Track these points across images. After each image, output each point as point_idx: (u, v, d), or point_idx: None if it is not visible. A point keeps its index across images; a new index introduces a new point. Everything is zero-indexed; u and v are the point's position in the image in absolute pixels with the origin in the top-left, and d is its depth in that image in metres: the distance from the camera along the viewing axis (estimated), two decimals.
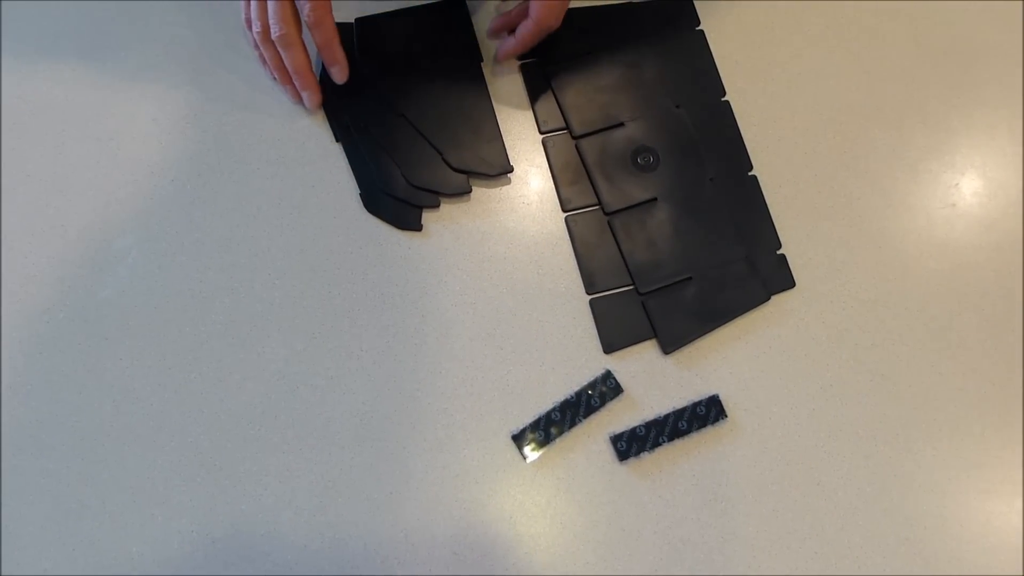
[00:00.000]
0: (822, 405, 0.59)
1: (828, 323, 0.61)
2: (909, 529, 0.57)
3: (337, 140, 0.64)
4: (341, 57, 0.61)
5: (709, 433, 0.58)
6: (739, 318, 0.61)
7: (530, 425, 0.58)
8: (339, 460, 0.56)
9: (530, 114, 0.66)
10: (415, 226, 0.62)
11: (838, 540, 0.56)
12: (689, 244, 0.62)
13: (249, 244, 0.61)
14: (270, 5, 0.59)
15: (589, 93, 0.66)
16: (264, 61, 0.63)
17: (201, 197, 0.62)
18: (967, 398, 0.60)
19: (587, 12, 0.67)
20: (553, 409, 0.58)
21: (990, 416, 0.59)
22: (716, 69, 0.67)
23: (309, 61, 0.61)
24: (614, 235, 0.62)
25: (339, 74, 0.62)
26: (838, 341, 0.61)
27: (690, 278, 0.61)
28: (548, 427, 0.58)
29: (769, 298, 0.61)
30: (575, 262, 0.62)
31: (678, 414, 0.58)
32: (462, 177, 0.63)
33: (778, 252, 0.63)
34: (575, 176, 0.64)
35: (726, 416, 0.58)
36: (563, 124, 0.65)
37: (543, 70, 0.66)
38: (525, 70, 0.67)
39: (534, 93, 0.66)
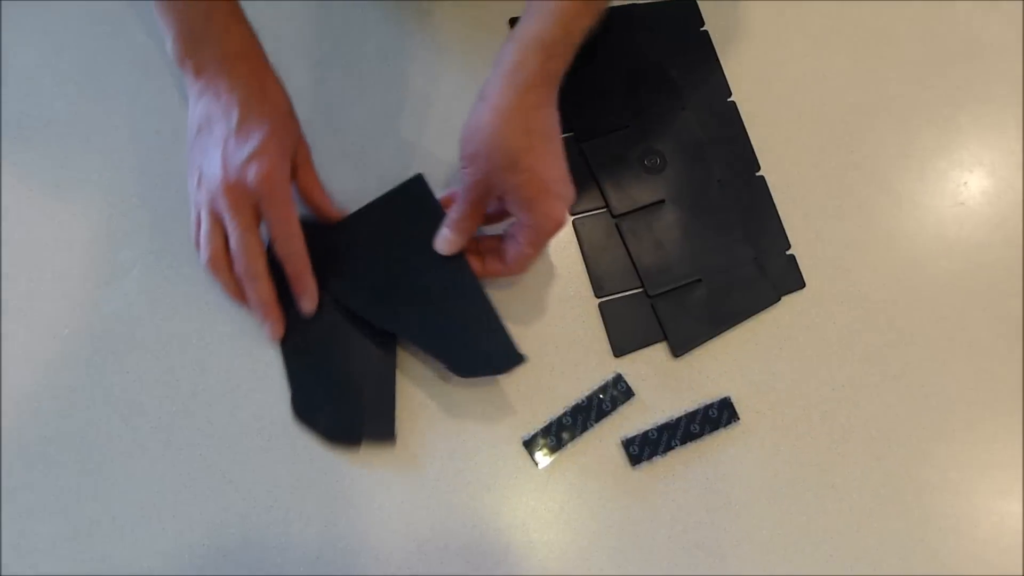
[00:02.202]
0: (834, 406, 0.59)
1: (839, 323, 0.61)
2: (924, 530, 0.56)
3: None
4: (312, 287, 0.56)
5: (721, 436, 0.58)
6: (749, 319, 0.61)
7: (541, 430, 0.57)
8: (349, 469, 0.56)
9: None
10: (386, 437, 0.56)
11: (853, 542, 0.56)
12: (698, 246, 0.62)
13: None
14: (233, 236, 0.54)
15: (594, 96, 0.65)
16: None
17: None
18: (980, 398, 0.60)
19: None
20: (564, 414, 0.58)
21: (1003, 416, 0.59)
22: (721, 70, 0.67)
23: (275, 292, 0.56)
24: (622, 238, 0.62)
25: (309, 303, 0.56)
26: (849, 341, 0.60)
27: (699, 280, 0.61)
28: (559, 432, 0.57)
29: (779, 299, 0.61)
30: (583, 265, 0.62)
31: (690, 417, 0.58)
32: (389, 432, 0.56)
33: (787, 253, 0.62)
34: (582, 179, 0.63)
35: (738, 418, 0.58)
36: (568, 128, 0.65)
37: None
38: None
39: None
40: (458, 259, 0.56)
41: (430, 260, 0.56)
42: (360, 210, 0.59)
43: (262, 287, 0.55)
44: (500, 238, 0.57)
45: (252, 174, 0.52)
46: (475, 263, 0.57)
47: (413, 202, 0.58)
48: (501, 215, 0.58)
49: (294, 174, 0.57)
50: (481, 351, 0.56)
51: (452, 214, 0.55)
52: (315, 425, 0.56)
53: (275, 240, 0.55)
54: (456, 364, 0.55)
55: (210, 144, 0.55)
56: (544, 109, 0.52)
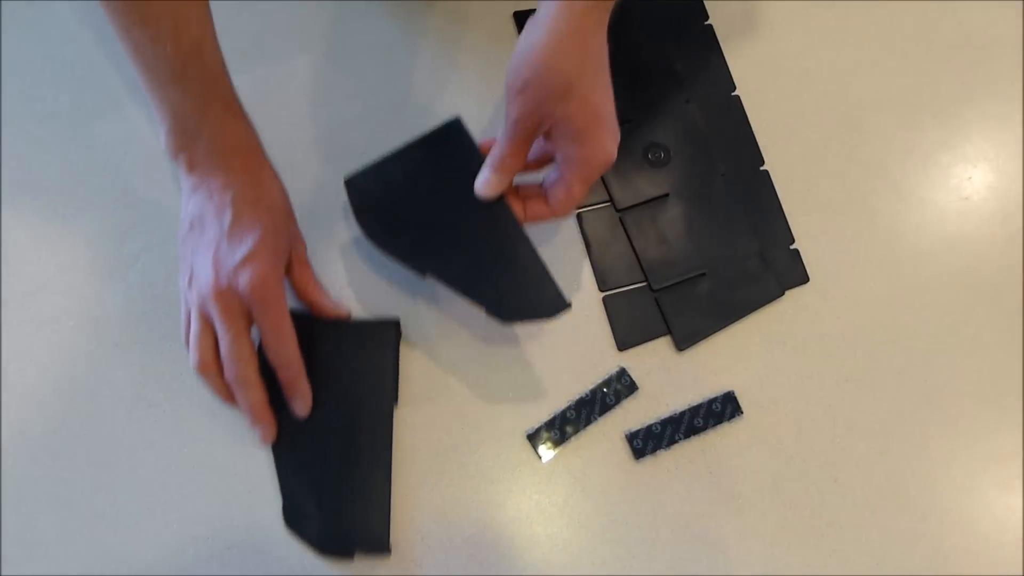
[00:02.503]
0: (838, 401, 0.59)
1: (842, 318, 0.61)
2: (926, 525, 0.57)
3: None
4: (306, 390, 0.54)
5: (725, 430, 0.58)
6: (753, 314, 0.61)
7: (545, 424, 0.57)
8: None
9: None
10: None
11: (855, 537, 0.56)
12: (702, 240, 0.62)
13: None
14: (223, 342, 0.52)
15: None
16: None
17: None
18: (982, 392, 0.60)
19: None
20: (568, 408, 0.58)
21: (1006, 410, 0.59)
22: (725, 64, 0.67)
23: (267, 397, 0.54)
24: (626, 232, 0.62)
25: (302, 408, 0.54)
26: (853, 336, 0.60)
27: (703, 274, 0.61)
28: (563, 426, 0.57)
29: (783, 293, 0.61)
30: (587, 259, 0.62)
31: (694, 411, 0.58)
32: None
33: (791, 247, 0.62)
34: None
35: (742, 412, 0.58)
36: None
37: None
38: None
39: None
40: (499, 203, 0.54)
41: (470, 205, 0.54)
42: (395, 152, 0.57)
43: (253, 394, 0.53)
44: (540, 185, 0.55)
45: (244, 280, 0.51)
46: (516, 207, 0.54)
47: (450, 146, 0.56)
48: (540, 161, 0.56)
49: (289, 272, 0.56)
50: (525, 297, 0.53)
51: (495, 152, 0.52)
52: (306, 536, 0.54)
53: (267, 347, 0.53)
54: (499, 310, 0.53)
55: (202, 245, 0.54)
56: (599, 34, 0.49)
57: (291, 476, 0.54)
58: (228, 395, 0.55)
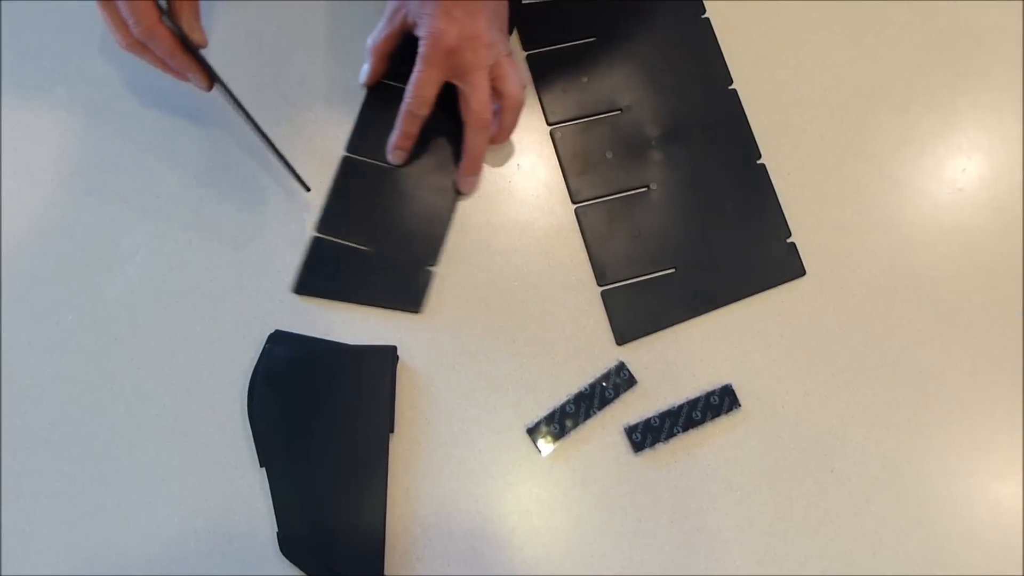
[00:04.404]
0: (834, 392, 0.59)
1: (839, 310, 0.61)
2: (922, 513, 0.57)
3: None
4: (197, 66, 0.54)
5: (723, 422, 0.58)
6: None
7: (545, 418, 0.58)
8: None
9: (537, 106, 0.65)
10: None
11: (853, 525, 0.57)
12: (696, 233, 0.62)
13: (258, 240, 0.60)
14: (122, 4, 0.51)
15: (596, 81, 0.65)
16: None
17: (209, 193, 0.61)
18: (978, 382, 0.60)
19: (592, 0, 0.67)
20: (567, 402, 0.58)
21: (1000, 399, 0.60)
22: (722, 57, 0.67)
23: (175, 40, 0.53)
24: (621, 224, 0.62)
25: (200, 80, 0.55)
26: (849, 327, 0.61)
27: (674, 269, 0.61)
28: (563, 420, 0.58)
29: (783, 282, 0.61)
30: (586, 254, 0.62)
31: (692, 404, 0.58)
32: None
33: (788, 240, 0.63)
34: (584, 166, 0.64)
35: (739, 405, 0.58)
36: (571, 115, 0.64)
37: (550, 60, 0.66)
38: (531, 61, 0.66)
39: (540, 84, 0.65)
40: None
41: None
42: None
43: (164, 39, 0.52)
44: None
45: None
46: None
47: None
48: None
49: None
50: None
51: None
52: (302, 566, 0.54)
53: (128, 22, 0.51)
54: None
55: None
56: None
57: (286, 504, 0.54)
58: (162, 63, 0.54)
